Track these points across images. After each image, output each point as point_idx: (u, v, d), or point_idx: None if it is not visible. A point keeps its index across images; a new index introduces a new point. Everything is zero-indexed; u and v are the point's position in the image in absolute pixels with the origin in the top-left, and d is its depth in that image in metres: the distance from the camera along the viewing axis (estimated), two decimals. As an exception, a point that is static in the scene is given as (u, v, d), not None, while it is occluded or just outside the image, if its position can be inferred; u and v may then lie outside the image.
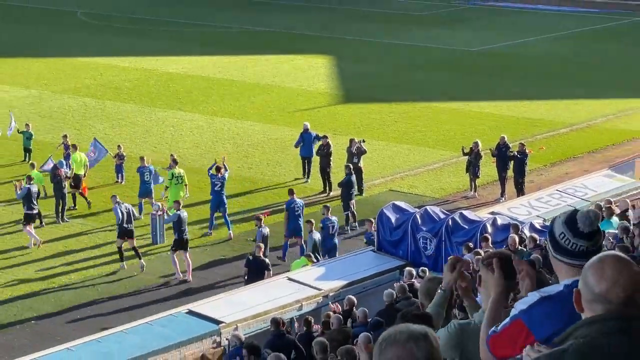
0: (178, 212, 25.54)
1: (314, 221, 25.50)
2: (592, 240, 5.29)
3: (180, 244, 25.38)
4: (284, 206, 27.00)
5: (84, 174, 30.29)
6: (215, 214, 27.81)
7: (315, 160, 31.85)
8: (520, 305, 5.16)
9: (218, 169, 28.02)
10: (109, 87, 42.96)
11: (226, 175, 28.24)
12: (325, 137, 31.69)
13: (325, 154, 31.34)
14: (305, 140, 32.19)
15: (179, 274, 25.30)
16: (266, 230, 25.51)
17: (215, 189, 27.93)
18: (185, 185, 28.56)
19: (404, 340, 4.12)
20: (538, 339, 4.67)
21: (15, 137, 33.28)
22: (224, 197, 28.11)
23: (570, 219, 5.33)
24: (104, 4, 63.44)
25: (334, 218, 26.02)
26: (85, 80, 44.07)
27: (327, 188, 31.23)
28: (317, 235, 25.24)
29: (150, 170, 29.25)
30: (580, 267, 5.17)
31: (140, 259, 25.72)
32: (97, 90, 42.49)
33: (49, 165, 29.89)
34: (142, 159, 29.70)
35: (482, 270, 5.76)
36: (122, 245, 25.72)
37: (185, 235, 25.56)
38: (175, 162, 28.91)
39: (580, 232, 5.26)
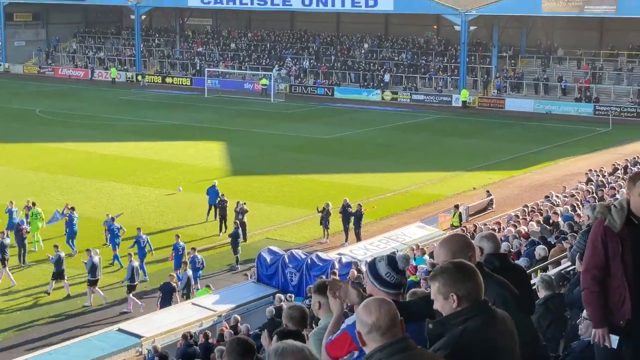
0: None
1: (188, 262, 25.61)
2: (404, 275, 5.42)
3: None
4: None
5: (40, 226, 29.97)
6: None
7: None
8: (347, 321, 5.23)
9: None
10: (60, 165, 42.13)
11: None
12: (222, 194, 32.67)
13: (222, 206, 32.06)
14: (211, 193, 33.22)
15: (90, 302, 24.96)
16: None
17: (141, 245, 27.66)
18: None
19: (295, 351, 4.30)
20: (359, 347, 4.72)
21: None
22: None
23: (392, 261, 5.44)
24: (56, 104, 62.60)
25: (200, 256, 26.22)
26: (43, 160, 43.20)
27: (224, 230, 31.60)
28: (189, 273, 25.02)
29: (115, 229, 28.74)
30: (395, 294, 5.26)
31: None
32: (51, 167, 41.61)
33: (55, 219, 29.41)
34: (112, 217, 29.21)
35: (330, 296, 5.80)
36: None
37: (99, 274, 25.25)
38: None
39: (399, 270, 5.37)
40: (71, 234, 29.38)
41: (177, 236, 27.69)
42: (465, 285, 4.59)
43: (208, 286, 24.50)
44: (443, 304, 4.63)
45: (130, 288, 24.81)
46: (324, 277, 21.98)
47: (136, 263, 25.52)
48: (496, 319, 4.68)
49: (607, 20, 63.73)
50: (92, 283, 24.99)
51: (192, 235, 31.39)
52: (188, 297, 24.04)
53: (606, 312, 6.24)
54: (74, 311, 24.57)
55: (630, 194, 6.08)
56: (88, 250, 25.78)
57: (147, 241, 27.49)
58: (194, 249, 26.70)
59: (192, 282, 24.63)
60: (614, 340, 6.27)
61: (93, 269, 24.93)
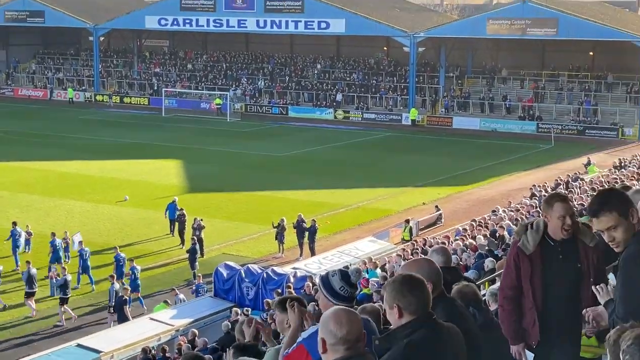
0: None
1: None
2: (355, 288, 5.39)
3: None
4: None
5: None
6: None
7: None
8: (304, 334, 5.17)
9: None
10: (20, 183, 41.51)
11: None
12: (182, 209, 32.56)
13: (181, 221, 32.05)
14: (170, 208, 33.15)
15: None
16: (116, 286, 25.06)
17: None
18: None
19: None
20: (315, 359, 4.67)
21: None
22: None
23: (345, 275, 5.41)
24: (16, 124, 61.79)
25: (138, 267, 26.41)
26: (3, 178, 42.51)
27: (182, 244, 31.51)
28: (181, 295, 25.02)
29: (58, 243, 28.42)
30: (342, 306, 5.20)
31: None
32: (11, 185, 41.02)
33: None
34: (52, 234, 28.88)
35: (289, 310, 5.77)
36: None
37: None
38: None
39: (352, 283, 5.34)
40: (14, 249, 29.31)
41: (116, 247, 27.85)
42: (408, 298, 4.53)
43: (166, 301, 24.30)
44: (389, 314, 4.60)
45: (63, 300, 24.63)
46: (279, 290, 21.88)
47: (69, 277, 25.27)
48: (442, 331, 4.63)
49: (548, 42, 64.67)
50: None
51: (149, 250, 31.10)
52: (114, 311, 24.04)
53: (522, 330, 6.21)
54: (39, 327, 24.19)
55: (546, 216, 6.00)
56: (28, 262, 25.86)
57: (87, 255, 27.42)
58: (131, 259, 26.81)
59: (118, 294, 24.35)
60: (530, 357, 6.25)
61: (29, 280, 24.91)
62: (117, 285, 24.33)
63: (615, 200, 4.98)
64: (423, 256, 20.97)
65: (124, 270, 26.56)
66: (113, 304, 23.99)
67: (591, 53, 66.15)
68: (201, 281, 25.65)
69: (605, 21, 63.02)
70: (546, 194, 29.05)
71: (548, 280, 6.01)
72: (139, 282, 26.04)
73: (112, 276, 25.08)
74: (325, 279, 5.49)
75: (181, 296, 24.76)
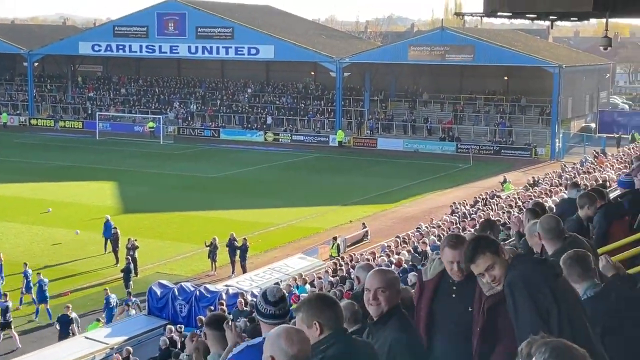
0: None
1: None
2: (277, 306, 5.33)
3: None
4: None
5: None
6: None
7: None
8: (235, 350, 5.13)
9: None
10: (-46, 206, 40.46)
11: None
12: (115, 228, 32.29)
13: (115, 239, 31.73)
14: (105, 227, 32.64)
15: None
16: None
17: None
18: None
19: None
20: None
21: None
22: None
23: (264, 295, 5.39)
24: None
25: (46, 279, 26.15)
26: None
27: (116, 262, 31.06)
28: (9, 303, 24.56)
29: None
30: (273, 325, 5.18)
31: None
32: (-55, 209, 39.98)
33: None
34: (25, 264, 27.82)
35: (226, 329, 5.78)
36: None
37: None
38: None
39: (271, 302, 5.28)
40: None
41: (25, 264, 27.25)
42: (325, 314, 4.54)
43: (98, 320, 23.91)
44: (308, 333, 4.58)
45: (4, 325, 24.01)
46: (212, 307, 21.68)
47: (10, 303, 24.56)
48: (357, 346, 4.64)
49: (466, 67, 65.82)
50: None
51: (83, 270, 30.53)
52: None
53: None
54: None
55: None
56: None
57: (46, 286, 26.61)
58: (39, 273, 26.55)
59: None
60: None
61: None
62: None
63: (485, 242, 5.16)
64: (353, 271, 20.99)
65: (31, 285, 26.30)
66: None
67: (506, 78, 67.55)
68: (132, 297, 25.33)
69: (518, 48, 64.50)
70: (465, 211, 29.51)
71: (434, 312, 5.86)
72: (47, 294, 25.88)
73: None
74: (255, 303, 5.49)
75: (113, 296, 24.87)
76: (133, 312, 24.36)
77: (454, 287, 5.84)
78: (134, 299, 25.25)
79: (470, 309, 5.68)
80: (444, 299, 5.87)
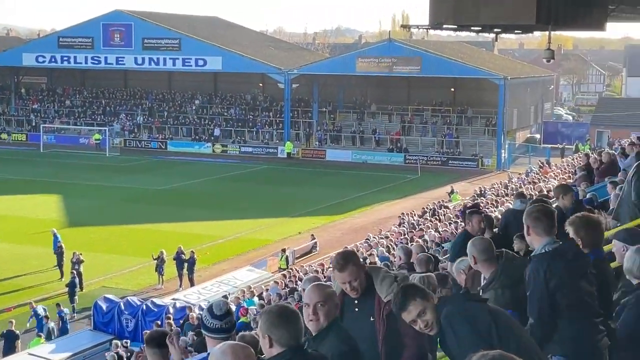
0: None
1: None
2: (223, 320, 5.28)
3: None
4: None
5: None
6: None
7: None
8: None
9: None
10: None
11: None
12: (60, 241, 31.91)
13: (60, 253, 31.26)
14: (54, 241, 32.13)
15: None
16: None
17: None
18: None
19: None
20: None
21: None
22: None
23: (210, 309, 5.34)
24: None
25: (40, 306, 25.36)
26: None
27: (61, 277, 30.56)
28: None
29: None
30: (219, 339, 5.13)
31: None
32: None
33: None
34: None
35: (169, 345, 5.75)
36: None
37: None
38: None
39: (217, 316, 5.23)
40: None
41: None
42: (280, 331, 4.48)
43: (39, 335, 23.46)
44: (262, 342, 4.55)
45: None
46: (158, 322, 21.45)
47: None
48: None
49: (413, 79, 66.39)
50: None
51: (26, 284, 29.98)
52: None
53: None
54: None
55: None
56: None
57: None
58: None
59: None
60: None
61: None
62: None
63: (413, 289, 5.22)
64: (300, 283, 20.95)
65: None
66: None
67: (452, 89, 68.29)
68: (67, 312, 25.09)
69: (464, 60, 65.29)
70: (413, 222, 29.66)
71: (349, 327, 5.70)
72: None
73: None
74: (200, 315, 5.45)
75: (40, 307, 24.51)
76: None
77: (356, 302, 5.88)
78: (65, 310, 25.01)
79: (372, 319, 5.77)
80: (349, 315, 5.87)
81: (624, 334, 5.77)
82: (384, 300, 5.66)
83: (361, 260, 6.00)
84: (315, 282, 5.71)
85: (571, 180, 22.75)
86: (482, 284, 6.61)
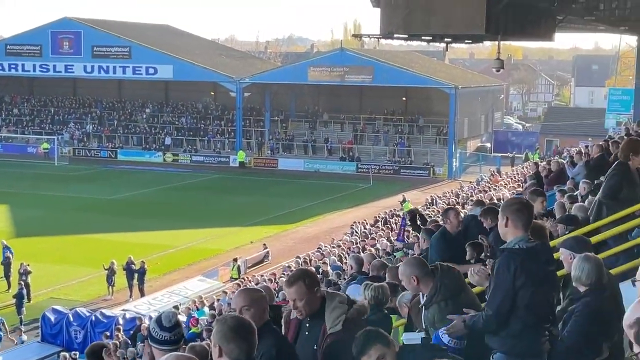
0: None
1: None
2: (173, 332, 5.23)
3: None
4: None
5: None
6: None
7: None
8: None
9: None
10: None
11: None
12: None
13: (7, 263, 30.93)
14: (2, 251, 31.75)
15: None
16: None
17: None
18: None
19: None
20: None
21: None
22: None
23: (158, 319, 5.28)
24: None
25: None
26: None
27: (8, 287, 30.25)
28: None
29: None
30: (167, 351, 5.07)
31: None
32: None
33: None
34: None
35: (106, 358, 5.68)
36: None
37: None
38: None
39: (165, 327, 5.18)
40: None
41: None
42: (231, 345, 4.45)
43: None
44: (213, 350, 4.52)
45: None
46: (107, 333, 21.21)
47: None
48: None
49: (365, 88, 66.73)
50: None
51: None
52: None
53: None
54: None
55: None
56: None
57: None
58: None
59: None
60: None
61: None
62: None
63: (375, 334, 5.11)
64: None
65: None
66: None
67: (404, 98, 68.77)
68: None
69: (416, 69, 65.80)
70: (365, 231, 29.76)
71: (298, 351, 5.67)
72: None
73: None
74: (148, 326, 5.37)
75: None
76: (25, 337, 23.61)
77: (307, 325, 5.75)
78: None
79: (315, 347, 5.62)
80: (301, 337, 5.79)
81: (571, 341, 5.84)
82: (328, 331, 5.47)
83: (317, 283, 5.72)
84: (243, 287, 5.69)
85: (521, 189, 23.04)
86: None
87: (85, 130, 71.75)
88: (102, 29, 69.34)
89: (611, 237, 8.76)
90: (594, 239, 8.03)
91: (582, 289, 6.02)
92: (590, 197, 11.12)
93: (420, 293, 6.40)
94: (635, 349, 3.31)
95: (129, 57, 68.07)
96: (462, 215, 10.20)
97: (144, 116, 73.08)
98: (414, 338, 6.31)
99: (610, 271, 6.60)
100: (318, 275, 21.81)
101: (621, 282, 6.87)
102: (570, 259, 6.39)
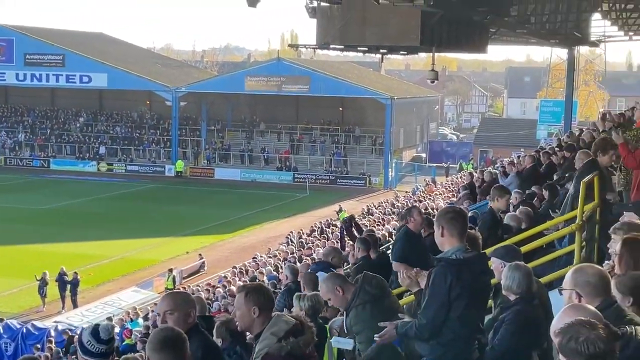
0: None
1: None
2: (108, 344, 5.18)
3: None
4: None
5: None
6: None
7: None
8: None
9: None
10: None
11: None
12: None
13: None
14: None
15: None
16: None
17: None
18: None
19: None
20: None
21: None
22: None
23: (95, 331, 5.21)
24: None
25: None
26: None
27: None
28: None
29: None
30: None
31: None
32: None
33: None
34: None
35: None
36: None
37: None
38: None
39: (102, 340, 5.13)
40: None
41: None
42: (159, 355, 4.44)
43: None
44: None
45: None
46: (39, 345, 20.82)
47: None
48: None
49: (302, 98, 66.90)
50: None
51: None
52: None
53: None
54: None
55: None
56: None
57: None
58: None
59: None
60: None
61: None
62: None
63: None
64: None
65: None
66: None
67: (341, 108, 69.13)
68: None
69: (352, 80, 66.24)
70: (302, 240, 29.79)
71: None
72: None
73: None
74: (80, 334, 5.27)
75: None
76: None
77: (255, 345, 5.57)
78: None
79: None
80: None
81: (502, 349, 5.93)
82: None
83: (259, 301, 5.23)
84: (168, 292, 5.66)
85: (455, 199, 23.35)
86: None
87: (17, 139, 70.35)
88: (34, 37, 68.14)
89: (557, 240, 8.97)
90: (524, 248, 8.19)
91: (512, 297, 6.12)
92: (521, 206, 11.30)
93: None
94: (561, 358, 3.39)
95: (63, 65, 67.03)
96: (423, 214, 10.04)
97: (78, 125, 72.00)
98: (343, 342, 6.33)
99: (539, 279, 6.74)
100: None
101: (550, 290, 7.02)
102: (501, 267, 6.49)
